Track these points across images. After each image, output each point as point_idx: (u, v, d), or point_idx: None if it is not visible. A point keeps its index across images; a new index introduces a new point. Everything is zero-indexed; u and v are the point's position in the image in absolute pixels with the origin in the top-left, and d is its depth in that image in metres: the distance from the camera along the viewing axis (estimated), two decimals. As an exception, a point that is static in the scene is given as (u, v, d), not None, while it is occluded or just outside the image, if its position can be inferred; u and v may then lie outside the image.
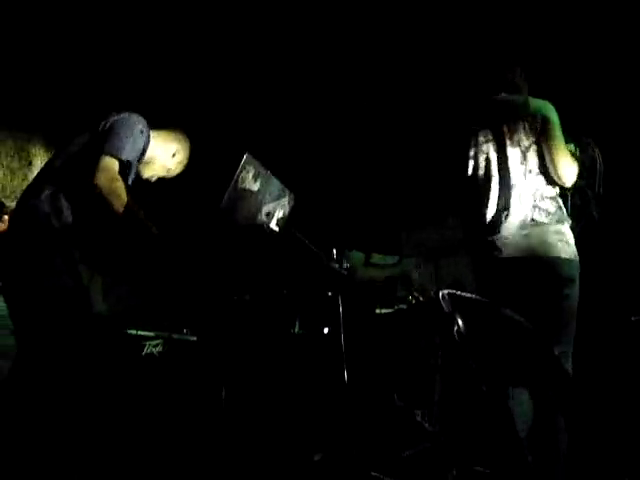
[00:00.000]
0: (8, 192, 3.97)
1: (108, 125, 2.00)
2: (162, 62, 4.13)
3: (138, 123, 2.02)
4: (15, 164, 4.06)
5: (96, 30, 3.83)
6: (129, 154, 1.95)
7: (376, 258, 3.46)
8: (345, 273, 2.18)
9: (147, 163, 2.20)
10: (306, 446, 2.50)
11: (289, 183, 2.21)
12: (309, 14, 3.76)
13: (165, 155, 2.23)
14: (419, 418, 2.60)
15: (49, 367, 1.86)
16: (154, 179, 2.30)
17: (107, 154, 1.90)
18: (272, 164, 2.06)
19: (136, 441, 2.23)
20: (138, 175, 2.21)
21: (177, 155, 2.27)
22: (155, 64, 4.13)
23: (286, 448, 2.48)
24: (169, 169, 2.29)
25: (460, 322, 2.72)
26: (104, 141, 1.94)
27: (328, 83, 4.39)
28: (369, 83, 4.35)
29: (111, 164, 1.89)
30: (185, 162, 2.32)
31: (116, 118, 2.02)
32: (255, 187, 1.98)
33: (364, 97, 4.48)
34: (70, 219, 1.93)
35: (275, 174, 2.10)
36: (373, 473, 2.07)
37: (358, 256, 3.47)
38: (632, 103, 3.49)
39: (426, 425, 2.57)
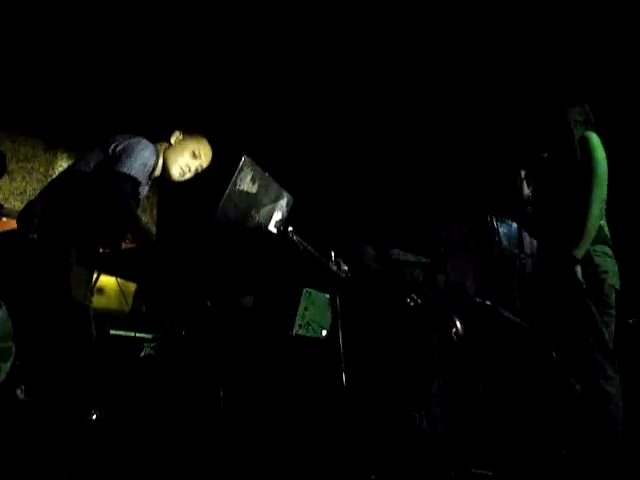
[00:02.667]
0: (7, 194, 3.98)
1: (120, 148, 2.25)
2: (163, 65, 4.13)
3: (147, 147, 2.30)
4: (13, 165, 4.06)
5: (94, 31, 3.83)
6: (139, 174, 2.23)
7: (395, 253, 3.46)
8: (343, 275, 2.18)
9: (173, 167, 2.48)
10: (304, 448, 2.50)
11: (288, 185, 2.21)
12: (310, 15, 3.76)
13: (187, 156, 2.49)
14: (417, 420, 2.60)
15: (49, 367, 1.89)
16: (186, 177, 2.53)
17: (121, 179, 2.17)
18: (270, 166, 2.06)
19: (135, 442, 2.23)
20: (169, 180, 2.53)
21: (198, 154, 2.51)
22: (156, 66, 4.14)
23: (284, 449, 2.49)
24: (195, 167, 2.53)
25: (458, 323, 2.72)
26: (118, 165, 2.20)
27: (328, 83, 4.39)
28: (372, 83, 4.35)
29: (125, 187, 2.17)
30: (207, 159, 2.56)
31: (128, 142, 2.28)
32: (253, 189, 1.98)
33: (367, 96, 4.48)
34: (70, 228, 2.13)
35: (273, 176, 2.10)
36: (373, 477, 2.07)
37: (370, 252, 3.48)
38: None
39: (424, 427, 2.57)
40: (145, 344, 2.63)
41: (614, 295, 2.36)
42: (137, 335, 2.65)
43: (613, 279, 2.37)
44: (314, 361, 2.98)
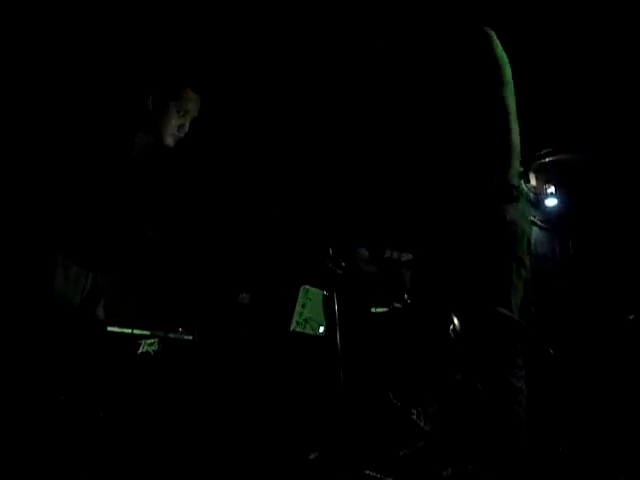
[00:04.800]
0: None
1: None
2: (158, 63, 4.11)
3: None
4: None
5: (91, 28, 3.82)
6: None
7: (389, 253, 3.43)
8: (340, 272, 2.18)
9: (166, 137, 2.22)
10: (302, 445, 2.50)
11: (289, 181, 2.21)
12: (307, 13, 3.75)
13: (174, 117, 2.22)
14: (414, 417, 2.61)
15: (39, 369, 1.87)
16: (181, 135, 2.28)
17: None
18: (273, 162, 2.05)
19: (132, 439, 2.23)
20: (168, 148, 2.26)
21: (185, 111, 2.24)
22: (149, 63, 4.11)
23: (282, 446, 2.49)
24: (188, 122, 2.27)
25: (456, 321, 2.73)
26: None
27: (327, 80, 4.38)
28: (372, 78, 4.33)
29: None
30: (195, 107, 2.29)
31: None
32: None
33: (365, 92, 4.47)
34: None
35: (275, 172, 2.09)
36: (367, 472, 2.07)
37: (362, 253, 3.47)
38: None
39: (421, 424, 2.58)
40: (142, 341, 2.62)
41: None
42: (134, 332, 2.64)
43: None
44: (312, 358, 2.98)
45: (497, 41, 1.88)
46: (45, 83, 3.74)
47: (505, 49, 1.97)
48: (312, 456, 2.44)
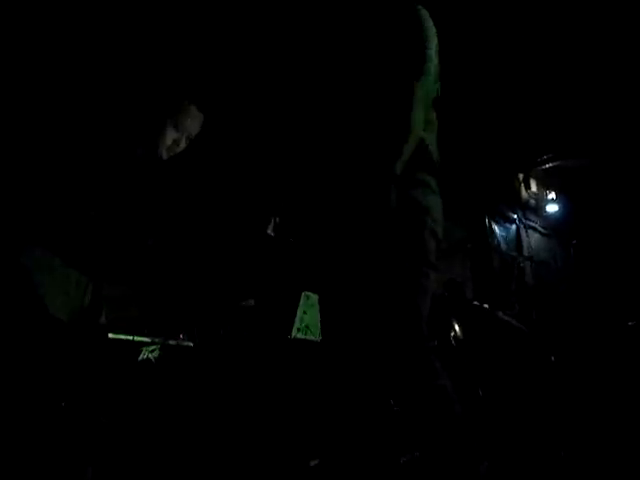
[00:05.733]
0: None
1: None
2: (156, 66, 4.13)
3: None
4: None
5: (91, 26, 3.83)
6: None
7: None
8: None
9: (160, 149, 2.28)
10: (303, 451, 2.50)
11: (287, 181, 2.21)
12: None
13: (169, 131, 2.28)
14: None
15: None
16: (178, 151, 2.34)
17: None
18: (274, 168, 2.06)
19: (133, 446, 2.22)
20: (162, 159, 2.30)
21: (182, 128, 2.30)
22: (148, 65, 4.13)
23: (283, 453, 2.48)
24: (184, 138, 2.34)
25: (456, 326, 2.73)
26: None
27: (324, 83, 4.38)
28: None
29: None
30: (194, 125, 2.34)
31: None
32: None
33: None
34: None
35: (276, 177, 2.11)
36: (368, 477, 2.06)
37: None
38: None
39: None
40: (143, 348, 2.63)
41: (435, 247, 1.61)
42: (135, 339, 2.64)
43: (436, 225, 1.61)
44: (313, 364, 2.98)
45: (428, 23, 1.63)
46: (45, 94, 3.76)
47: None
48: (313, 463, 2.43)
